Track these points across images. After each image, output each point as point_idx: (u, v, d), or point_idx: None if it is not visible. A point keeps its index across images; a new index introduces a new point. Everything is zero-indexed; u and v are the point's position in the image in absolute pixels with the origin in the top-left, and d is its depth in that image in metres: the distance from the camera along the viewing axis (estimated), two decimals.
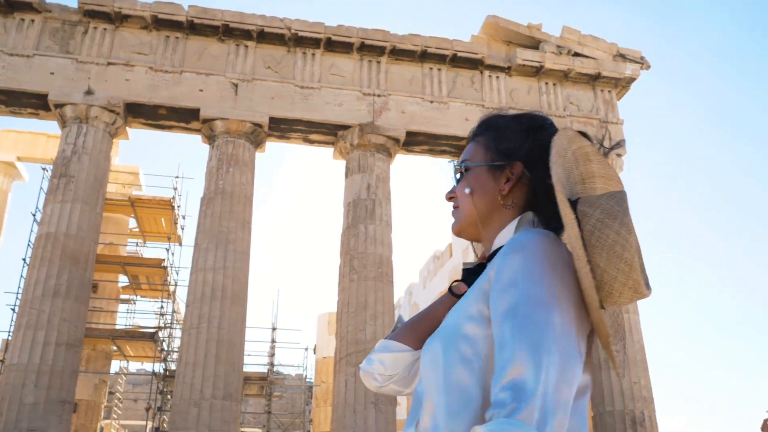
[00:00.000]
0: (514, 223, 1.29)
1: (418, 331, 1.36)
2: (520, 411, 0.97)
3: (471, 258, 18.41)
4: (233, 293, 11.54)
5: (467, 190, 1.34)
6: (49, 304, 10.79)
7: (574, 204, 1.18)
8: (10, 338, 12.24)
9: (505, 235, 1.28)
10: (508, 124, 1.36)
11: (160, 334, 13.48)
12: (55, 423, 10.38)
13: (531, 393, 0.98)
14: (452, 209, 1.39)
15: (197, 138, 13.33)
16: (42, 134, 14.81)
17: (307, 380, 25.36)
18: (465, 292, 1.29)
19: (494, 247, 1.29)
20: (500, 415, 0.97)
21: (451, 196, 1.39)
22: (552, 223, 1.27)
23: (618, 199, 1.16)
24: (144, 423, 23.99)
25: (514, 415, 0.96)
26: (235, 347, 11.36)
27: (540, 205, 1.30)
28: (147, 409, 13.12)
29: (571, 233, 1.12)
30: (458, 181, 1.38)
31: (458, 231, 1.37)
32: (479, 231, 1.34)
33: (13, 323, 12.44)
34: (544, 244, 1.13)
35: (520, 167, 1.30)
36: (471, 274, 1.33)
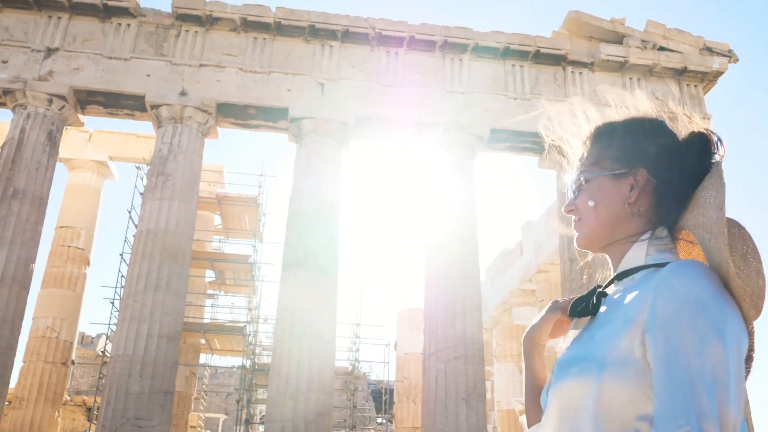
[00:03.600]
0: (644, 241, 1.27)
1: (537, 402, 1.36)
2: None
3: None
4: (324, 288, 11.76)
5: (591, 203, 1.30)
6: (151, 297, 11.19)
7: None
8: (110, 330, 12.74)
9: (637, 253, 1.26)
10: (625, 130, 1.33)
11: (248, 328, 13.83)
12: (159, 412, 10.78)
13: None
14: (574, 222, 1.35)
15: (271, 136, 13.62)
16: (132, 134, 15.35)
17: (364, 374, 25.55)
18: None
19: (625, 265, 1.27)
20: None
21: (570, 209, 1.35)
22: (676, 233, 1.27)
23: (744, 235, 1.18)
24: (217, 416, 24.61)
25: None
26: (327, 342, 11.59)
27: (663, 211, 1.28)
28: (237, 401, 13.50)
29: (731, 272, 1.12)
30: (577, 193, 1.34)
31: (584, 244, 1.34)
32: (606, 243, 1.32)
33: (112, 316, 12.95)
34: (699, 280, 1.11)
35: (644, 174, 1.27)
36: (581, 301, 1.29)
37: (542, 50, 13.68)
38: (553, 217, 19.17)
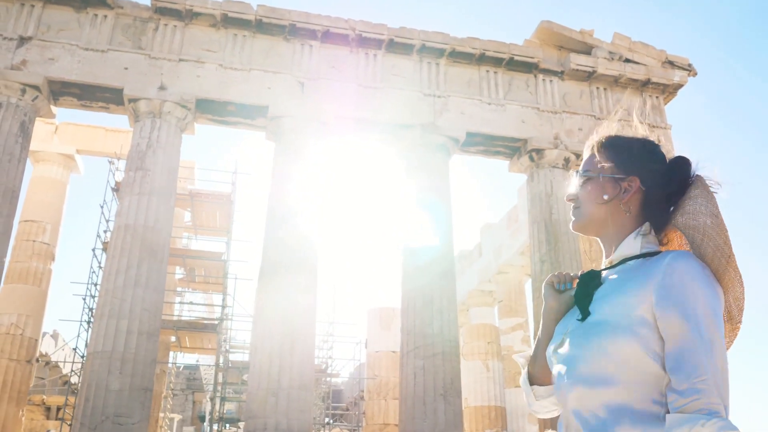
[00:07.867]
0: (635, 234, 1.59)
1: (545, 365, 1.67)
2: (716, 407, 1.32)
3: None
4: (305, 286, 11.84)
5: (591, 196, 1.63)
6: (131, 293, 11.04)
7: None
8: (82, 326, 12.48)
9: (630, 244, 1.59)
10: (630, 145, 1.65)
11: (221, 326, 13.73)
12: (139, 409, 10.64)
13: (711, 391, 1.33)
14: (573, 209, 1.69)
15: (240, 133, 13.61)
16: (101, 128, 15.04)
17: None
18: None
19: (621, 253, 1.60)
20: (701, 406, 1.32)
21: (571, 198, 1.69)
22: (659, 230, 1.61)
23: (725, 237, 1.51)
24: (173, 416, 24.18)
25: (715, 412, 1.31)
26: (306, 339, 11.67)
27: (647, 213, 1.61)
28: (211, 399, 13.40)
29: (733, 275, 1.51)
30: (579, 186, 1.67)
31: (580, 228, 1.68)
32: (598, 230, 1.65)
33: (84, 312, 12.67)
34: (698, 267, 1.46)
35: (637, 181, 1.60)
36: (585, 280, 1.62)
37: (516, 58, 14.12)
38: (513, 220, 19.73)
